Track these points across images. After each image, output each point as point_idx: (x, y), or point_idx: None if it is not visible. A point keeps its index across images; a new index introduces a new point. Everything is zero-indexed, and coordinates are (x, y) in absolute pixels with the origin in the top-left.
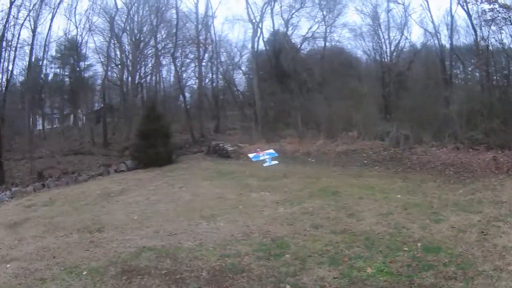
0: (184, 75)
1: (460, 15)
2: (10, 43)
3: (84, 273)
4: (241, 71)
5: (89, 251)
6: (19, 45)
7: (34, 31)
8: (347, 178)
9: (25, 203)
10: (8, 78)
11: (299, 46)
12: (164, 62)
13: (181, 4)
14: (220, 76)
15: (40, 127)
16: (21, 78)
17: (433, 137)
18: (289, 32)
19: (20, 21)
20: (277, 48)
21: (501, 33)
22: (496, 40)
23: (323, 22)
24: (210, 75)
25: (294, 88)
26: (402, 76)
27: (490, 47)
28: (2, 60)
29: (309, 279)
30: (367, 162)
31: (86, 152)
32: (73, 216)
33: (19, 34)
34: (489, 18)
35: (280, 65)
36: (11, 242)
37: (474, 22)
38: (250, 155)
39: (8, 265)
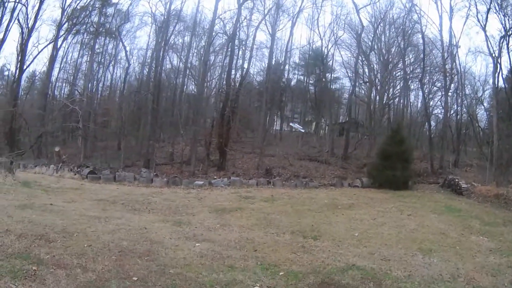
0: (431, 102)
1: None
2: (244, 43)
3: (281, 273)
4: (483, 107)
5: (295, 254)
6: (255, 46)
7: (272, 35)
8: None
9: (242, 193)
10: (243, 75)
11: None
12: (412, 87)
13: (426, 30)
14: (464, 110)
15: (278, 127)
16: (259, 78)
17: None
18: None
19: (254, 23)
20: None
21: None
22: None
23: None
24: (455, 106)
25: None
26: None
27: None
28: (235, 57)
29: None
30: None
31: (323, 161)
32: (291, 218)
33: (254, 36)
34: None
35: None
36: (211, 225)
37: None
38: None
39: (197, 244)
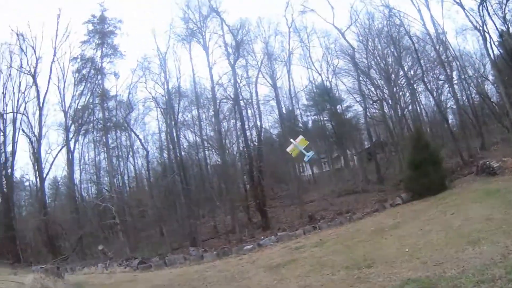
0: (442, 97)
1: None
2: (249, 101)
3: None
4: (489, 82)
5: (353, 287)
6: (261, 102)
7: (274, 85)
8: None
9: (292, 245)
10: (259, 132)
11: None
12: (419, 89)
13: (411, 29)
14: (474, 91)
15: (309, 172)
16: (274, 131)
17: None
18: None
19: (252, 80)
20: (510, 50)
21: None
22: None
23: None
24: (464, 92)
25: None
26: None
27: None
28: (246, 117)
29: None
30: None
31: (360, 190)
32: (343, 254)
33: (256, 91)
34: None
35: None
36: (269, 282)
37: None
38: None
39: None
